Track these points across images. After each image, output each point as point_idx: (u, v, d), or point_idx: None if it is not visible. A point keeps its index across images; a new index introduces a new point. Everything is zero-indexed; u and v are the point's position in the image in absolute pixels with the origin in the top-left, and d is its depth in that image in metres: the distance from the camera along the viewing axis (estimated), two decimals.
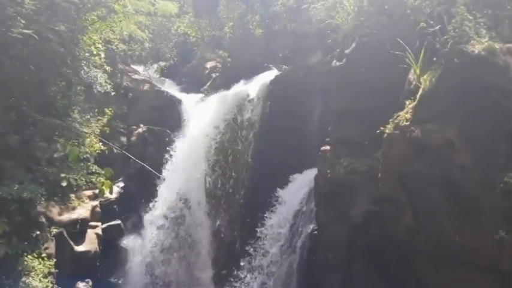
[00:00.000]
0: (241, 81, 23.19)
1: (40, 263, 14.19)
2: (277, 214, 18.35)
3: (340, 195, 15.56)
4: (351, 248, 15.24)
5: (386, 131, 13.99)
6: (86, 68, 16.19)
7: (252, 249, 18.61)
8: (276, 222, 18.22)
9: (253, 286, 18.35)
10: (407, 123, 13.49)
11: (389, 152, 13.91)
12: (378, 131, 14.19)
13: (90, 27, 15.94)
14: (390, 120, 14.04)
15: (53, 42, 13.66)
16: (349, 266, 15.24)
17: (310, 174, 17.54)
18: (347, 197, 15.39)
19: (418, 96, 13.57)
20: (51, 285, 14.24)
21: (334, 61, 17.58)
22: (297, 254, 17.14)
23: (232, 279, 18.96)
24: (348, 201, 15.33)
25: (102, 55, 17.25)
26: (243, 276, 18.66)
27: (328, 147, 16.78)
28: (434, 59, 13.62)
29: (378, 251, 14.44)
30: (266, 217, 18.51)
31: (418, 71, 13.93)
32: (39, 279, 13.87)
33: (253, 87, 21.94)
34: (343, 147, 16.31)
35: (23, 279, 13.52)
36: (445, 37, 13.44)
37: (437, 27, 13.86)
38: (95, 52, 16.42)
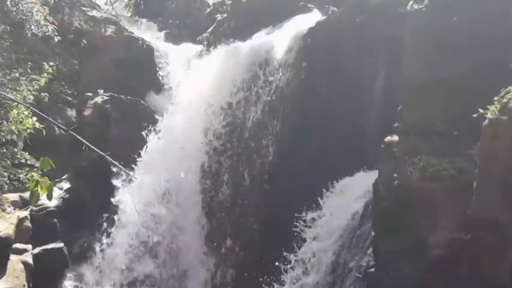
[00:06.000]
0: (263, 29, 23.57)
1: None
2: (310, 243, 18.71)
3: (412, 213, 15.73)
4: None
5: (488, 114, 14.14)
6: None
7: None
8: (309, 256, 18.59)
9: None
10: None
11: (492, 148, 14.07)
12: (474, 115, 14.41)
13: None
14: (495, 98, 14.21)
15: None
16: None
17: (367, 179, 17.87)
18: (423, 217, 15.52)
19: None
20: None
21: (411, 2, 17.81)
22: None
23: None
24: (424, 223, 15.46)
25: None
26: None
27: (396, 138, 17.03)
28: None
29: None
30: (292, 252, 18.86)
31: None
32: None
33: (281, 38, 22.26)
34: (420, 138, 16.53)
35: None
36: None
37: None
38: None
